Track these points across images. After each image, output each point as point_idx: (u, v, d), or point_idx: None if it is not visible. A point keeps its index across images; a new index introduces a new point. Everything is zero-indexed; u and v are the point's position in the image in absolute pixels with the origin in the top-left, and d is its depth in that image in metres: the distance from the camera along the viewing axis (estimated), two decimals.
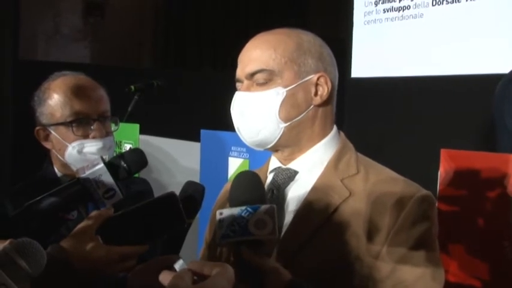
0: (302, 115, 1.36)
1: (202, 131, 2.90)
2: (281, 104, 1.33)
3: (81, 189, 1.40)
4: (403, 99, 3.46)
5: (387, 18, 3.66)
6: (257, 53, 1.36)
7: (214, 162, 2.76)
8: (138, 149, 1.54)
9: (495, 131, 2.27)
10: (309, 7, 6.66)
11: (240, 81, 1.40)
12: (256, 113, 1.35)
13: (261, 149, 1.42)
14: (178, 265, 1.09)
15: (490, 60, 3.06)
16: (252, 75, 1.36)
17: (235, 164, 2.64)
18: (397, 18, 3.60)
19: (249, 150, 2.52)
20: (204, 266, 1.02)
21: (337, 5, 4.87)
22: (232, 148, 2.65)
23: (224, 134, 2.72)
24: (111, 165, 1.44)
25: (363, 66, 3.72)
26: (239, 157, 2.62)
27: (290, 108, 1.35)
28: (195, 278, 1.00)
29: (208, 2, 7.45)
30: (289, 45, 1.36)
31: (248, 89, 1.37)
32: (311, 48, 1.38)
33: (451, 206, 1.85)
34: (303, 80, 1.35)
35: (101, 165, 1.41)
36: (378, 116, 3.52)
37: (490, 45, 3.09)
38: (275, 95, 1.34)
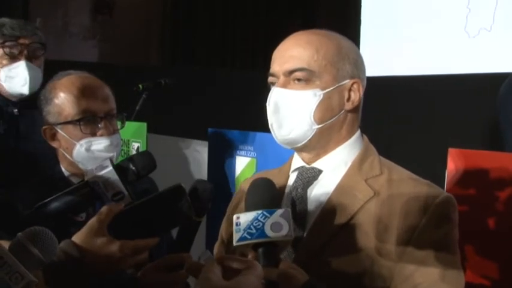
0: (334, 118, 1.37)
1: (210, 130, 2.91)
2: (317, 105, 1.34)
3: (90, 192, 1.42)
4: (411, 98, 3.45)
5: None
6: (299, 51, 1.36)
7: (222, 161, 2.76)
8: (147, 152, 1.55)
9: (501, 130, 2.26)
10: (316, 8, 6.64)
11: (276, 76, 1.39)
12: (292, 111, 1.36)
13: (289, 147, 1.43)
14: (205, 257, 1.11)
15: (497, 59, 3.05)
16: (291, 72, 1.36)
17: (242, 163, 2.64)
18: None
19: (256, 149, 2.52)
20: (234, 261, 1.03)
21: (345, 5, 4.87)
22: (240, 147, 2.66)
23: (232, 133, 2.72)
24: (120, 168, 1.45)
25: (370, 66, 3.71)
26: (246, 156, 2.62)
27: (325, 110, 1.36)
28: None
29: (216, 1, 7.46)
30: (331, 48, 1.37)
31: (285, 85, 1.37)
32: (349, 54, 1.39)
33: (459, 205, 1.83)
34: (339, 84, 1.36)
35: (110, 168, 1.43)
36: (386, 115, 3.51)
37: (496, 44, 3.08)
38: (312, 96, 1.34)
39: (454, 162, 1.86)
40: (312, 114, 1.34)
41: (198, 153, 3.07)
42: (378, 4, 3.89)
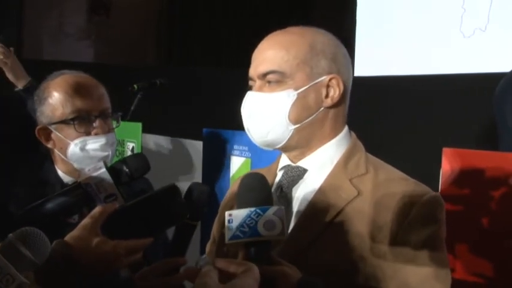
0: (312, 117, 1.36)
1: (205, 130, 2.91)
2: (291, 106, 1.33)
3: (83, 194, 1.41)
4: (406, 98, 3.46)
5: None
6: (270, 54, 1.36)
7: (217, 161, 2.76)
8: (141, 154, 1.55)
9: (497, 130, 2.27)
10: (313, 5, 6.65)
11: (253, 79, 1.40)
12: (266, 114, 1.35)
13: (271, 149, 1.42)
14: (203, 262, 1.10)
15: (492, 59, 3.06)
16: (264, 75, 1.36)
17: (237, 163, 2.64)
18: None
19: (251, 149, 2.53)
20: (230, 264, 1.03)
21: (340, 4, 4.87)
22: (235, 147, 2.66)
23: (226, 133, 2.72)
24: (113, 170, 1.45)
25: (365, 65, 3.72)
26: (241, 156, 2.62)
27: (300, 110, 1.34)
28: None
29: (212, 0, 7.45)
30: (303, 47, 1.35)
31: (260, 89, 1.37)
32: (325, 49, 1.36)
33: (453, 205, 1.84)
34: (315, 82, 1.34)
35: (103, 169, 1.43)
36: (380, 114, 3.52)
37: (492, 44, 3.09)
38: (286, 97, 1.33)
39: (448, 162, 1.86)
40: (287, 115, 1.33)
41: (193, 153, 3.07)
42: (373, 4, 3.89)
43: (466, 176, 1.83)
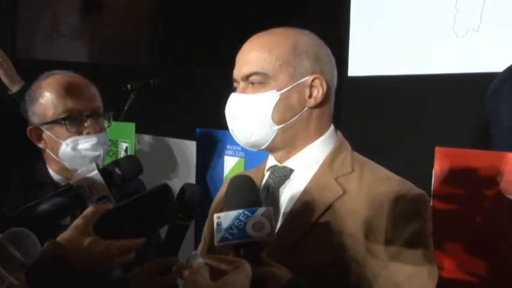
0: (296, 117, 1.36)
1: (198, 130, 2.91)
2: (274, 106, 1.34)
3: (75, 196, 1.41)
4: (400, 97, 3.46)
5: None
6: (253, 55, 1.36)
7: (210, 160, 2.76)
8: (134, 156, 1.55)
9: (489, 129, 2.28)
10: (306, 6, 6.65)
11: (237, 81, 1.41)
12: (249, 115, 1.36)
13: (255, 150, 1.43)
14: (195, 259, 1.10)
15: (485, 59, 3.07)
16: (247, 77, 1.36)
17: (230, 163, 2.65)
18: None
19: (245, 149, 2.51)
20: (222, 262, 1.03)
21: (334, 3, 4.87)
22: (228, 147, 2.66)
23: (220, 133, 2.73)
24: (106, 172, 1.45)
25: (358, 65, 3.73)
26: (235, 156, 2.63)
27: (284, 110, 1.35)
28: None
29: (206, 0, 7.45)
30: (285, 47, 1.36)
31: (244, 90, 1.38)
32: (308, 50, 1.37)
33: (446, 203, 1.85)
34: (298, 82, 1.35)
35: (96, 171, 1.43)
36: (373, 114, 3.53)
37: (485, 44, 3.10)
38: (269, 98, 1.34)
39: (441, 161, 1.86)
40: (270, 115, 1.34)
41: (187, 153, 3.07)
42: (367, 4, 3.89)
43: (458, 176, 1.83)
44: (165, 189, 1.31)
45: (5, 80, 2.84)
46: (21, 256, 0.97)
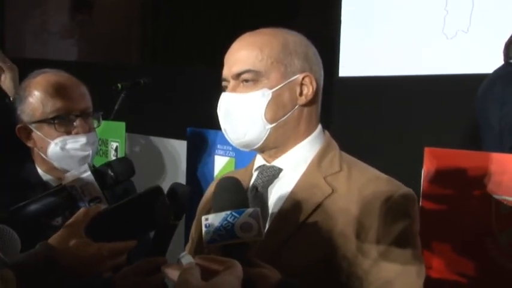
0: (288, 115, 1.36)
1: (189, 129, 2.90)
2: (267, 105, 1.34)
3: (67, 196, 1.40)
4: (389, 98, 3.48)
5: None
6: (243, 54, 1.36)
7: (201, 160, 2.76)
8: (126, 158, 1.55)
9: (479, 130, 2.29)
10: (298, 6, 6.66)
11: (227, 80, 1.40)
12: (243, 114, 1.35)
13: (247, 150, 1.42)
14: (185, 260, 1.10)
15: (475, 60, 3.09)
16: (238, 75, 1.36)
17: (221, 162, 2.64)
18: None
19: (235, 148, 2.50)
20: (213, 262, 1.02)
21: (326, 4, 4.88)
22: (219, 146, 2.66)
23: (210, 133, 2.72)
24: (98, 173, 1.44)
25: (349, 66, 3.74)
26: (225, 155, 2.62)
27: (276, 109, 1.35)
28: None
29: (196, 0, 7.44)
30: (276, 46, 1.36)
31: (234, 89, 1.37)
32: (297, 49, 1.38)
33: (435, 204, 1.86)
34: (289, 80, 1.35)
35: (88, 172, 1.42)
36: (363, 114, 3.54)
37: (474, 45, 3.12)
38: (261, 96, 1.34)
39: (430, 162, 1.87)
40: (263, 114, 1.34)
41: (177, 153, 3.06)
42: (358, 5, 3.91)
43: (447, 176, 1.84)
44: (158, 191, 1.30)
45: (10, 85, 2.76)
46: (1, 253, 0.96)
